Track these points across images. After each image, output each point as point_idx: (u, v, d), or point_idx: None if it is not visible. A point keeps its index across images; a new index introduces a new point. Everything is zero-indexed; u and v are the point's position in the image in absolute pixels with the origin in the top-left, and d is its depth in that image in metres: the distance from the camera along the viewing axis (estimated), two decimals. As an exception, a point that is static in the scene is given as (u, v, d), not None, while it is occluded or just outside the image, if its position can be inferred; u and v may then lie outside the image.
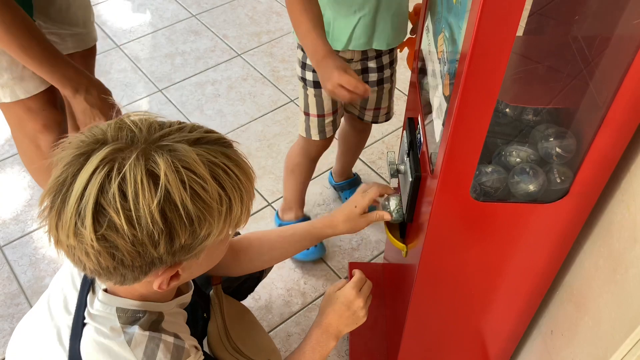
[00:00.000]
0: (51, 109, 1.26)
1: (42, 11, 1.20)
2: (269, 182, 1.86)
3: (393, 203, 1.06)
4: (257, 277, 1.24)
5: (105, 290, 0.79)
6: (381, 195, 1.08)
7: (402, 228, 1.13)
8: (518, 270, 0.97)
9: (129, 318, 0.77)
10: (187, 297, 0.89)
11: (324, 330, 0.95)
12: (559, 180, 0.87)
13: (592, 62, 0.86)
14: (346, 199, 1.77)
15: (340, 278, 1.62)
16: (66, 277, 0.84)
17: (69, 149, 0.65)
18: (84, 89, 1.10)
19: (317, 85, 1.30)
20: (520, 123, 0.98)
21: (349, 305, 0.95)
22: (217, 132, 0.73)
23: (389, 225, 1.15)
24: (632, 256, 0.78)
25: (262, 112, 2.09)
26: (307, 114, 1.38)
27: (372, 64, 1.32)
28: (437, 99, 0.86)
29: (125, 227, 0.61)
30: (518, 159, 0.91)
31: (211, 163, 0.66)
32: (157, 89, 2.17)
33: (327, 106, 1.35)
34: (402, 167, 1.06)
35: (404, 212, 1.03)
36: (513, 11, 0.62)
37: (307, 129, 1.40)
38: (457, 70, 0.71)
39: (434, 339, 1.21)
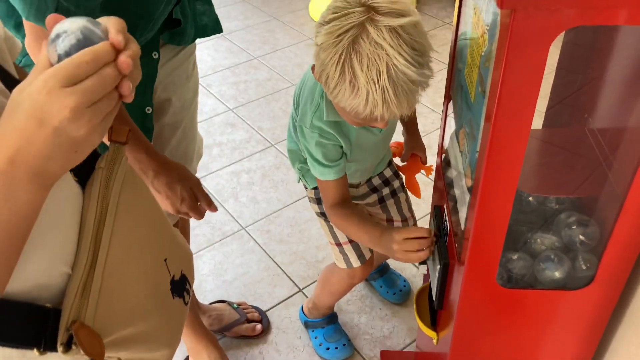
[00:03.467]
0: None
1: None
2: (301, 267, 1.89)
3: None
4: None
5: None
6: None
7: (433, 315, 1.14)
8: (550, 357, 0.97)
9: None
10: None
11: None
12: (584, 267, 0.89)
13: (609, 153, 0.90)
14: (380, 287, 1.77)
15: (372, 366, 1.60)
16: None
17: None
18: (152, 173, 1.01)
19: None
20: (544, 211, 1.01)
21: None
22: None
23: (420, 312, 1.16)
24: (662, 344, 0.78)
25: (293, 199, 2.16)
26: (338, 244, 1.35)
27: (377, 181, 1.39)
28: (460, 190, 0.91)
29: None
30: (543, 246, 0.94)
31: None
32: (194, 178, 2.28)
33: None
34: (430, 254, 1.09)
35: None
36: (526, 109, 0.67)
37: (346, 259, 1.36)
38: (476, 165, 0.76)
39: None
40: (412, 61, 0.84)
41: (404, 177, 1.43)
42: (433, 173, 1.27)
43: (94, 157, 0.68)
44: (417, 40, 0.85)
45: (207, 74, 2.92)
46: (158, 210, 0.77)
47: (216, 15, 1.19)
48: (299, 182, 1.37)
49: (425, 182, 2.21)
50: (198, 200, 1.08)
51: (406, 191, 1.45)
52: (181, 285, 0.77)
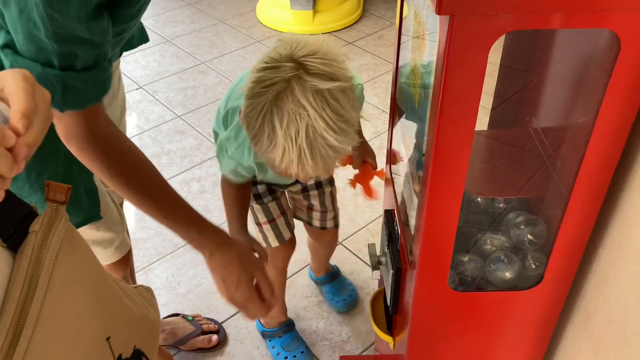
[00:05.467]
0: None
1: None
2: (256, 276, 1.86)
3: None
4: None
5: None
6: None
7: (389, 320, 1.14)
8: (504, 358, 0.97)
9: None
10: None
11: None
12: (533, 266, 0.90)
13: (553, 153, 0.91)
14: (327, 293, 1.77)
15: (331, 372, 1.59)
16: None
17: None
18: (207, 252, 0.92)
19: (257, 197, 1.35)
20: (493, 211, 1.02)
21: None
22: None
23: (376, 317, 1.15)
24: (610, 339, 0.79)
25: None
26: (257, 224, 1.39)
27: None
28: (409, 194, 0.90)
29: None
30: (493, 247, 0.94)
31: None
32: (143, 189, 2.21)
33: (275, 211, 1.38)
34: (383, 259, 1.08)
35: None
36: (469, 113, 0.67)
37: (265, 239, 1.40)
38: (423, 170, 0.76)
39: None
40: (333, 126, 0.82)
41: (361, 186, 1.43)
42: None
43: (28, 218, 0.58)
44: (344, 106, 0.84)
45: (154, 80, 2.85)
46: (104, 279, 0.66)
47: (141, 24, 1.15)
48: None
49: (380, 183, 2.21)
50: (258, 290, 0.96)
51: (333, 185, 1.45)
52: None
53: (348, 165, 1.44)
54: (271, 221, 1.38)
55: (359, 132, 1.39)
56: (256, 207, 1.36)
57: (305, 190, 1.41)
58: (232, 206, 1.20)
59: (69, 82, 0.75)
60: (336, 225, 1.51)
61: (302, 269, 1.86)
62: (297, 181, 1.37)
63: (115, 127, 0.88)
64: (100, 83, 0.80)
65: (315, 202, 1.44)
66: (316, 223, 1.48)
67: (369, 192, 1.43)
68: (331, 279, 1.77)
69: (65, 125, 0.80)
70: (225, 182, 1.19)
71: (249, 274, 0.93)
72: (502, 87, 1.08)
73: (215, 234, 0.94)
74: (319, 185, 1.41)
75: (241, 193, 1.21)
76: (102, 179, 0.88)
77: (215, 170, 2.29)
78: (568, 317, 0.92)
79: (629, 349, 0.75)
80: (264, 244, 1.42)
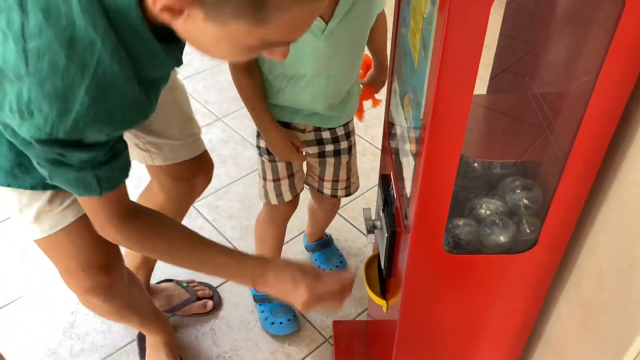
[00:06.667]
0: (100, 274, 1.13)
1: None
2: (251, 241, 1.86)
3: None
4: None
5: None
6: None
7: (382, 284, 1.14)
8: (496, 321, 0.98)
9: None
10: None
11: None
12: (528, 231, 0.90)
13: (551, 118, 0.91)
14: (315, 260, 1.77)
15: (325, 338, 1.61)
16: None
17: None
18: (260, 280, 0.91)
19: (270, 152, 1.34)
20: (489, 176, 1.02)
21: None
22: None
23: (369, 281, 1.16)
24: (601, 303, 0.80)
25: (243, 174, 2.12)
26: (263, 179, 1.40)
27: (326, 135, 1.37)
28: (406, 157, 0.90)
29: None
30: (488, 211, 0.95)
31: None
32: (138, 155, 2.20)
33: (282, 171, 1.38)
34: (378, 223, 1.08)
35: None
36: (469, 72, 0.66)
37: (265, 194, 1.41)
38: (421, 131, 0.75)
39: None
40: None
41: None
42: (383, 103, 1.26)
43: None
44: None
45: (149, 46, 2.81)
46: None
47: None
48: None
49: (373, 152, 2.21)
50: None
51: (351, 155, 1.44)
52: None
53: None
54: (275, 180, 1.38)
55: (382, 58, 1.40)
56: (266, 163, 1.36)
57: (322, 155, 1.39)
58: (253, 99, 1.23)
59: (100, 175, 0.85)
60: (347, 195, 1.49)
61: (298, 235, 1.87)
62: (315, 142, 1.36)
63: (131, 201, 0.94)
64: (124, 165, 0.88)
65: (329, 172, 1.42)
66: (327, 192, 1.47)
67: (358, 110, 1.45)
68: (322, 247, 1.77)
69: (99, 213, 0.89)
70: (235, 74, 1.20)
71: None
72: (500, 54, 1.07)
73: (257, 264, 0.93)
74: (337, 153, 1.40)
75: (254, 82, 1.22)
76: (132, 248, 0.97)
77: (211, 137, 2.28)
78: (561, 282, 0.93)
79: (620, 311, 0.76)
80: (263, 199, 1.43)
